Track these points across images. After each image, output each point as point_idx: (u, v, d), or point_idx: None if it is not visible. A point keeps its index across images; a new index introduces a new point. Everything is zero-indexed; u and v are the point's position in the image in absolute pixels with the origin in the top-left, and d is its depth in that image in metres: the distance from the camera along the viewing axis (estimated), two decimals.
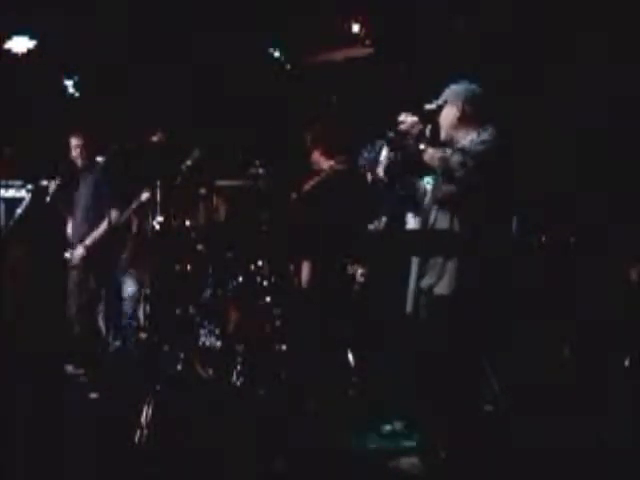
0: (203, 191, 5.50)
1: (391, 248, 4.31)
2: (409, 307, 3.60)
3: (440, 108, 3.65)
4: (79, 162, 5.59)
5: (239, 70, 6.62)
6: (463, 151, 3.42)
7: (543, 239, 4.97)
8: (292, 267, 5.02)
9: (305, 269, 4.90)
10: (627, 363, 4.47)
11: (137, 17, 6.29)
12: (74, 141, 5.57)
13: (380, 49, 6.26)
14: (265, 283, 4.90)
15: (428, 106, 3.68)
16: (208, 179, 5.44)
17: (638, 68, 5.01)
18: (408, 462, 3.53)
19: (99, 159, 5.41)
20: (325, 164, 5.05)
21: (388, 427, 4.14)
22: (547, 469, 3.52)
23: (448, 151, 3.46)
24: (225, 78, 6.68)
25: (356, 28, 6.27)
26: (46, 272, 6.00)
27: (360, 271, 4.82)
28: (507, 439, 3.75)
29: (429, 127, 3.57)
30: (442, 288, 3.43)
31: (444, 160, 3.41)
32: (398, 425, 4.11)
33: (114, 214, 5.41)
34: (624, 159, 5.05)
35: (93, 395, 4.73)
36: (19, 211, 5.73)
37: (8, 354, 5.17)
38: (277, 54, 6.52)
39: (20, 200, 5.74)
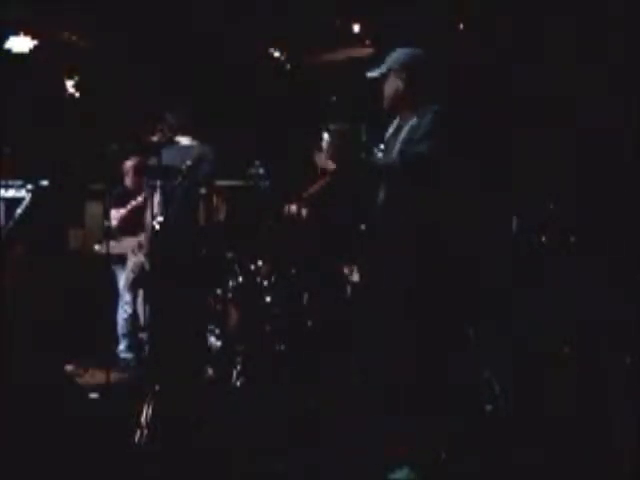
0: (203, 191, 5.50)
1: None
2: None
3: (384, 76, 3.50)
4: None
5: (239, 70, 6.62)
6: (403, 157, 3.30)
7: (543, 239, 4.97)
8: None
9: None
10: (627, 363, 4.47)
11: (137, 17, 6.29)
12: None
13: (380, 49, 6.25)
14: (265, 283, 4.90)
15: (370, 74, 3.54)
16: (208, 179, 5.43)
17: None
18: (402, 472, 3.50)
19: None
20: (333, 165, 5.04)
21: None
22: (547, 469, 3.52)
23: (390, 158, 3.36)
24: (225, 78, 6.68)
25: (356, 28, 6.27)
26: (46, 272, 6.00)
27: (355, 271, 4.82)
28: (507, 439, 3.75)
29: (364, 128, 3.43)
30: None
31: (387, 168, 3.34)
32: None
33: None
34: (625, 159, 5.05)
35: (93, 395, 4.73)
36: (19, 211, 5.73)
37: (7, 354, 5.17)
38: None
39: (20, 200, 5.74)
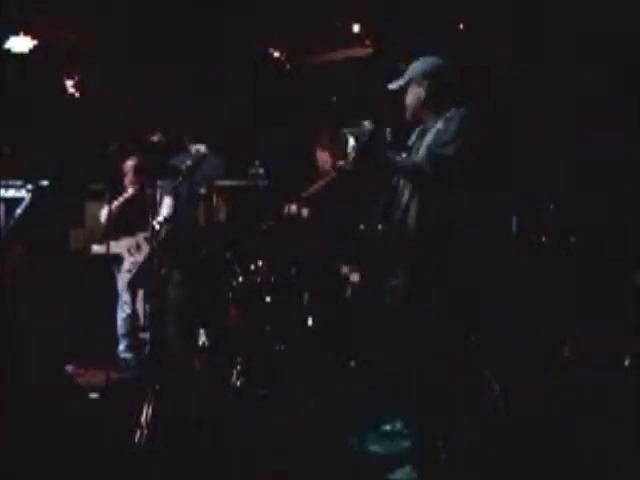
0: (203, 191, 5.51)
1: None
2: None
3: (405, 87, 3.53)
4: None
5: (239, 70, 6.62)
6: (432, 159, 3.31)
7: (543, 239, 4.97)
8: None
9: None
10: (627, 363, 4.47)
11: (137, 17, 6.30)
12: None
13: (380, 49, 6.26)
14: (265, 283, 4.91)
15: (392, 86, 3.57)
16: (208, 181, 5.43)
17: None
18: (402, 472, 3.50)
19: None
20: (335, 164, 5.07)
21: (388, 427, 4.13)
22: (547, 469, 3.52)
23: (417, 159, 3.38)
24: (225, 78, 6.69)
25: (356, 28, 6.27)
26: (46, 272, 6.00)
27: (354, 272, 4.82)
28: (507, 440, 3.74)
29: (389, 131, 3.44)
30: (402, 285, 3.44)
31: (415, 170, 3.34)
32: (398, 425, 4.11)
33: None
34: (625, 159, 5.06)
35: (93, 395, 4.72)
36: (19, 211, 5.73)
37: (8, 354, 5.17)
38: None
39: (20, 200, 5.74)
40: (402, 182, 3.56)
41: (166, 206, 4.90)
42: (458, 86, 3.53)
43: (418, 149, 3.51)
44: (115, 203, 5.85)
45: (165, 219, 4.62)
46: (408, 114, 3.55)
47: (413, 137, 3.60)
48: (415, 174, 3.35)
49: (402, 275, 3.45)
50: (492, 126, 3.65)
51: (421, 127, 3.58)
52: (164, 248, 4.56)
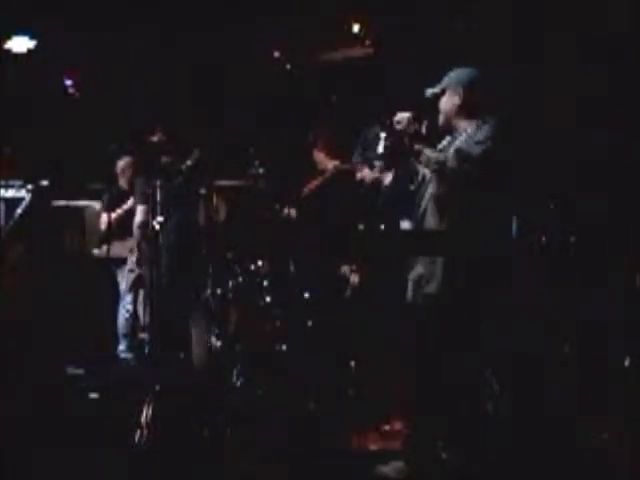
0: (203, 191, 5.51)
1: (388, 248, 4.31)
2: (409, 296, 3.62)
3: (442, 93, 3.64)
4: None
5: (239, 70, 6.62)
6: (459, 154, 3.40)
7: (543, 239, 4.97)
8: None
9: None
10: (627, 363, 4.47)
11: (137, 17, 6.30)
12: None
13: (380, 49, 6.27)
14: (265, 283, 4.90)
15: (429, 91, 3.68)
16: (208, 179, 5.44)
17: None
18: (394, 467, 3.51)
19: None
20: (330, 164, 5.07)
21: (388, 427, 4.13)
22: (547, 469, 3.52)
23: (443, 154, 3.45)
24: (225, 78, 6.69)
25: (356, 28, 6.28)
26: (46, 272, 6.01)
27: (354, 273, 4.80)
28: (506, 439, 3.74)
29: (425, 123, 3.56)
30: (430, 287, 3.46)
31: (440, 164, 3.41)
32: (398, 425, 4.11)
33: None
34: (625, 159, 5.06)
35: (93, 395, 4.73)
36: (19, 211, 5.74)
37: (8, 353, 5.17)
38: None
39: (20, 200, 5.74)
40: (422, 187, 3.65)
41: (140, 213, 4.92)
42: (490, 96, 3.65)
43: (448, 151, 3.58)
44: (117, 211, 5.83)
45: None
46: (442, 119, 3.65)
47: (444, 142, 3.67)
48: (440, 166, 3.42)
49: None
50: (511, 132, 3.72)
51: (452, 135, 3.68)
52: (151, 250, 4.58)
